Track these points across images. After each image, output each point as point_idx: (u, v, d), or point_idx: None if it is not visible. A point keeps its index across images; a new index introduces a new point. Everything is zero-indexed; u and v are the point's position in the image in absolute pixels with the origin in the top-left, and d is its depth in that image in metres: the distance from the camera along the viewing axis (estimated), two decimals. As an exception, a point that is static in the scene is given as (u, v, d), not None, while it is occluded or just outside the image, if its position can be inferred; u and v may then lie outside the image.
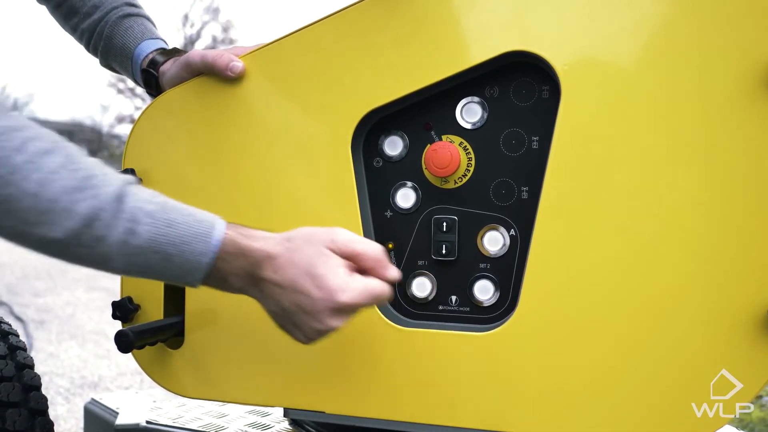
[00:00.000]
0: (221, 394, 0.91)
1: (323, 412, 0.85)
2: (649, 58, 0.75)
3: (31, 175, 0.62)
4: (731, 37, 0.72)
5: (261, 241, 0.72)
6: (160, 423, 1.23)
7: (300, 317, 0.71)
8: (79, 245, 0.66)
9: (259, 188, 0.89)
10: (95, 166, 0.67)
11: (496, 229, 0.84)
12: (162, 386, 0.94)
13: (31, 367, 1.08)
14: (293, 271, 0.71)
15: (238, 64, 0.89)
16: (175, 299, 0.94)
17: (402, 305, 0.87)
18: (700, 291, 0.73)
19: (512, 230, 0.84)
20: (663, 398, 0.74)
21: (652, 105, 0.75)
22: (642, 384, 0.75)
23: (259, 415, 1.30)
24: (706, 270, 0.73)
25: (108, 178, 0.67)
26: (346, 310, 0.71)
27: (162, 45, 1.06)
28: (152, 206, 0.69)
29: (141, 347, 0.89)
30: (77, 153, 0.67)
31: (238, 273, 0.71)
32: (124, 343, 0.84)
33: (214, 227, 0.71)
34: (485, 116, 0.85)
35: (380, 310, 0.84)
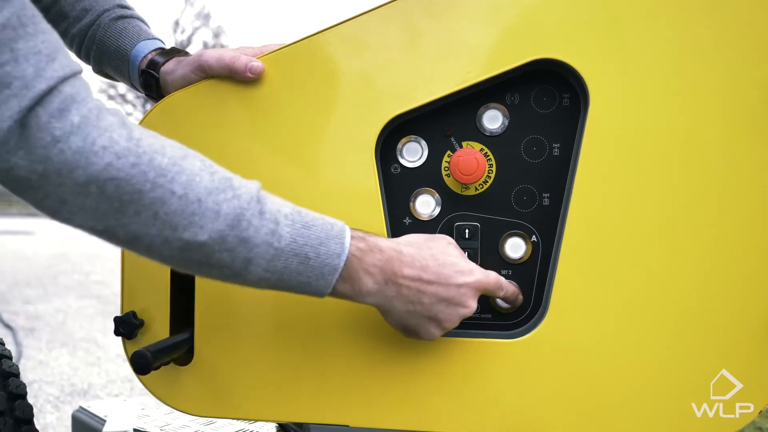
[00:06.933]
0: (239, 412, 0.86)
1: (347, 426, 0.83)
2: (677, 68, 0.75)
3: (177, 177, 0.61)
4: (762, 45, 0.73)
5: (385, 241, 0.73)
6: (148, 431, 1.21)
7: (438, 308, 0.73)
8: (222, 249, 0.64)
9: (277, 195, 0.85)
10: (226, 169, 0.66)
11: (517, 235, 0.84)
12: (172, 407, 0.88)
13: (17, 375, 1.06)
14: (427, 263, 0.72)
15: (257, 64, 0.84)
16: (181, 312, 0.89)
17: (422, 312, 0.86)
18: (716, 292, 0.75)
19: (534, 236, 0.83)
20: (665, 398, 0.76)
21: (681, 114, 0.75)
22: (647, 384, 0.76)
23: (247, 422, 1.28)
24: (720, 272, 0.75)
25: (243, 180, 0.66)
26: (484, 288, 0.75)
27: (160, 45, 1.01)
28: (288, 209, 0.68)
29: (158, 367, 0.82)
30: (205, 157, 0.66)
31: (371, 271, 0.70)
32: (142, 364, 0.76)
33: (344, 229, 0.70)
34: (506, 123, 0.84)
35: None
